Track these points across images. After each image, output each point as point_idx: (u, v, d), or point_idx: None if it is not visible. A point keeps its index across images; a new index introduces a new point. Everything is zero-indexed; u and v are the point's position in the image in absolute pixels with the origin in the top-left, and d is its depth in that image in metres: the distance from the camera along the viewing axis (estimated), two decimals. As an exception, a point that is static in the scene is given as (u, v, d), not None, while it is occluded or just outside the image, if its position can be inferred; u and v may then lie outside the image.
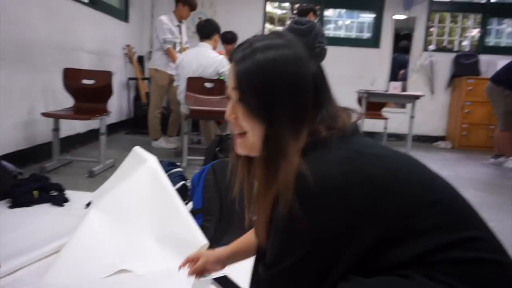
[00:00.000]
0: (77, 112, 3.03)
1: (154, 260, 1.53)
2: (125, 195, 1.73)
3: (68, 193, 2.28)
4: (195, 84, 3.27)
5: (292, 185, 0.64)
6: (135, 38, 5.20)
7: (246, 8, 5.46)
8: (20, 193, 2.11)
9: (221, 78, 3.36)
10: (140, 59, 5.27)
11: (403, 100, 4.70)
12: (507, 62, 4.13)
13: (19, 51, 2.84)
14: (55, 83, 3.14)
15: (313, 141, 0.69)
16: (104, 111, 3.02)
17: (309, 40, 3.82)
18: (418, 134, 5.36)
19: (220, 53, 3.64)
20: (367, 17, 5.74)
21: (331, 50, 4.12)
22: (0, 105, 2.63)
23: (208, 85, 3.30)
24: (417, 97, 3.94)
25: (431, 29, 5.66)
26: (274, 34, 0.75)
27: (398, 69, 5.60)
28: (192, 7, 4.00)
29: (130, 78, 4.98)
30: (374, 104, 4.48)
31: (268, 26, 5.73)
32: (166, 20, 3.92)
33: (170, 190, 1.70)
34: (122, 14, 4.82)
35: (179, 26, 4.04)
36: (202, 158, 2.74)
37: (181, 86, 3.42)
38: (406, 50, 5.55)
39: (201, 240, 1.53)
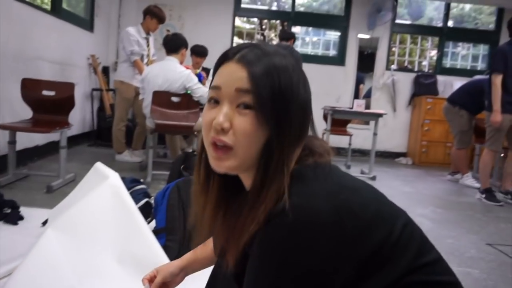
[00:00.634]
0: (36, 125, 2.90)
1: (114, 281, 1.48)
2: (85, 213, 1.66)
3: (23, 210, 2.15)
4: (161, 98, 3.23)
5: (279, 214, 0.60)
6: (101, 48, 5.08)
7: (215, 22, 5.47)
8: (-31, 210, 1.99)
9: (188, 92, 3.34)
10: (106, 70, 5.16)
11: (367, 118, 4.83)
12: (462, 83, 4.38)
13: (-26, 59, 2.71)
14: (12, 94, 3.01)
15: (300, 168, 0.66)
16: (65, 124, 2.91)
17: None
18: (381, 150, 5.54)
19: (187, 67, 3.62)
20: (333, 34, 5.91)
21: (298, 67, 4.18)
22: (-49, 115, 2.50)
23: (174, 99, 3.26)
24: (380, 115, 4.07)
25: (393, 49, 5.91)
26: (276, 45, 0.74)
27: (358, 85, 5.81)
28: (161, 20, 3.98)
29: (94, 89, 4.85)
30: (339, 120, 4.60)
31: (237, 40, 5.77)
32: (133, 31, 3.87)
33: (133, 209, 1.66)
34: (87, 24, 4.72)
35: (146, 39, 4.00)
36: (167, 173, 2.70)
37: (146, 99, 3.36)
38: (365, 68, 5.78)
39: (164, 260, 1.50)
